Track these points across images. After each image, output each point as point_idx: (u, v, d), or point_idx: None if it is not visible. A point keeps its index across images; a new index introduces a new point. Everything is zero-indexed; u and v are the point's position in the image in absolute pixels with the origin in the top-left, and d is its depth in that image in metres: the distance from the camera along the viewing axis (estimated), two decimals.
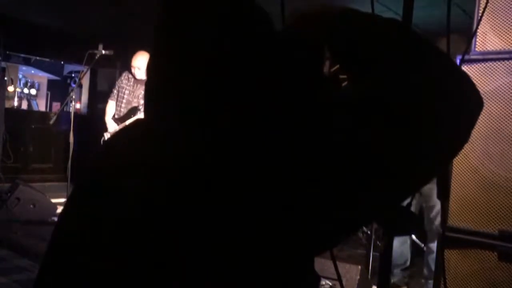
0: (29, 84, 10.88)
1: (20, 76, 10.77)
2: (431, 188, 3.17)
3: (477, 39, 1.98)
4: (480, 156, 1.93)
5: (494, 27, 1.95)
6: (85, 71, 5.38)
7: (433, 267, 3.10)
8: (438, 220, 3.24)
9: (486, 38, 1.97)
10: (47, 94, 12.07)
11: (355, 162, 0.63)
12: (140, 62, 4.58)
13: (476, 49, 1.99)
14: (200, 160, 0.68)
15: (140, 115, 4.62)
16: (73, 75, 11.03)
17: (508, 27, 1.92)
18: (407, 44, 0.70)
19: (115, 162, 0.77)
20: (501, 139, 1.89)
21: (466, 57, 1.98)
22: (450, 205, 1.99)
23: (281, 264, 0.65)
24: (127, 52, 4.88)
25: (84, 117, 8.90)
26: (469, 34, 2.42)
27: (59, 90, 11.60)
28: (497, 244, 1.88)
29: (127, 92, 4.77)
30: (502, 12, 1.93)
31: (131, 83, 4.76)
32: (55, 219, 4.66)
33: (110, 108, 4.84)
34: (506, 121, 1.88)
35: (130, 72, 4.76)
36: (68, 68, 11.27)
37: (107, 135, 4.73)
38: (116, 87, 4.87)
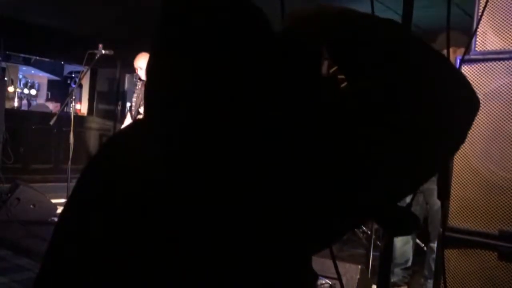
0: (29, 84, 10.89)
1: (20, 76, 10.78)
2: (434, 188, 3.17)
3: (477, 39, 1.99)
4: (480, 156, 1.93)
5: (494, 27, 1.95)
6: (85, 71, 5.38)
7: (433, 267, 3.10)
8: (439, 220, 3.24)
9: (486, 38, 1.97)
10: (47, 94, 12.08)
11: (352, 161, 0.63)
12: (142, 63, 4.63)
13: (476, 49, 1.99)
14: (199, 159, 0.68)
15: (141, 114, 4.68)
16: (73, 75, 11.03)
17: (508, 27, 1.92)
18: (404, 45, 0.70)
19: (114, 161, 0.78)
20: (501, 139, 1.89)
21: (466, 57, 1.98)
22: (450, 205, 1.99)
23: (278, 262, 0.65)
24: (127, 52, 4.89)
25: (84, 117, 8.91)
26: (469, 34, 2.42)
27: (59, 90, 11.61)
28: (497, 244, 1.88)
29: (135, 95, 4.85)
30: (502, 12, 1.93)
31: (139, 87, 4.86)
32: (55, 219, 4.66)
33: (127, 120, 4.97)
34: (506, 121, 1.88)
35: (138, 78, 4.85)
36: (68, 68, 11.28)
37: None
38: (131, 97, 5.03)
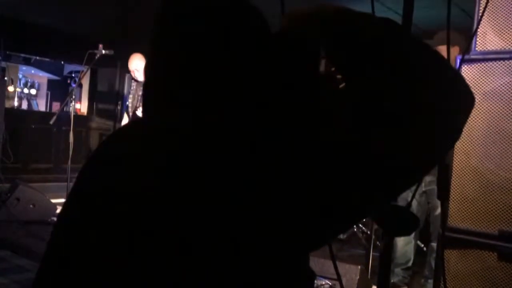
0: (29, 84, 10.88)
1: (20, 76, 10.78)
2: (435, 188, 3.17)
3: (477, 39, 1.98)
4: (480, 156, 1.93)
5: (494, 27, 1.95)
6: (85, 71, 5.38)
7: (434, 267, 3.10)
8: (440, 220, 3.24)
9: (486, 38, 1.97)
10: (47, 94, 12.07)
11: (350, 160, 0.63)
12: (136, 64, 4.66)
13: (476, 48, 1.99)
14: (197, 158, 0.68)
15: (138, 113, 4.70)
16: (73, 75, 11.03)
17: (508, 27, 1.92)
18: (401, 44, 0.70)
19: (113, 162, 0.78)
20: (501, 139, 1.89)
21: (466, 57, 1.98)
22: (450, 205, 1.99)
23: (276, 262, 0.66)
24: (127, 52, 4.90)
25: (84, 117, 8.91)
26: (469, 34, 2.42)
27: (59, 90, 11.60)
28: (497, 244, 1.88)
29: (130, 96, 4.88)
30: (502, 12, 1.93)
31: (134, 87, 4.88)
32: (55, 219, 4.66)
33: (124, 121, 5.00)
34: (506, 121, 1.88)
35: (132, 79, 4.88)
36: (68, 68, 11.27)
37: None
38: (126, 97, 5.07)
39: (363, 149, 0.64)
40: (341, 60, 0.74)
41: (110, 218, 0.71)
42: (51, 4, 6.12)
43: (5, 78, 6.75)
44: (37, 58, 9.26)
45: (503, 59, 1.91)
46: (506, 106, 1.89)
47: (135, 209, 0.69)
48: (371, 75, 0.68)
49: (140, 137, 0.78)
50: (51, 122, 4.91)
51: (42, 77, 11.68)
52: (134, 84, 4.91)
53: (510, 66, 1.89)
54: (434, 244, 3.25)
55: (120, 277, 0.67)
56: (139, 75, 4.69)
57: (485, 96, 1.92)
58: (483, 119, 1.92)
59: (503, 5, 1.93)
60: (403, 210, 0.98)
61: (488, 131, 1.91)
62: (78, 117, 8.36)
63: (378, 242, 3.43)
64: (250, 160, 0.66)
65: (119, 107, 8.80)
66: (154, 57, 0.81)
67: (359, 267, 2.73)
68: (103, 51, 4.81)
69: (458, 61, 2.07)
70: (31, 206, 4.84)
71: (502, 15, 1.93)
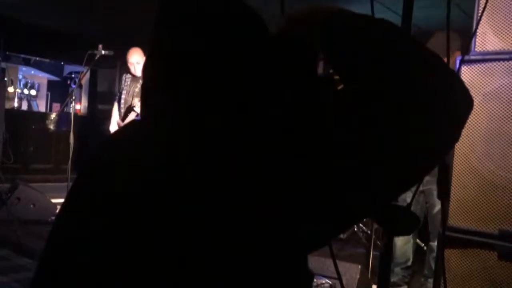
0: (29, 84, 10.88)
1: (20, 76, 10.77)
2: (433, 188, 3.17)
3: (477, 39, 1.99)
4: (480, 156, 1.93)
5: (494, 27, 1.95)
6: (85, 71, 5.38)
7: (433, 266, 3.10)
8: (439, 219, 3.24)
9: (486, 38, 1.97)
10: (47, 95, 12.07)
11: (348, 161, 0.64)
12: (137, 58, 4.65)
13: (476, 49, 1.99)
14: (194, 159, 0.68)
15: (134, 113, 4.67)
16: (73, 75, 11.02)
17: (508, 27, 1.92)
18: (398, 45, 0.70)
19: (111, 161, 0.78)
20: (501, 139, 1.89)
21: (466, 57, 1.98)
22: (450, 205, 1.99)
23: (274, 262, 0.66)
24: (127, 52, 4.89)
25: (84, 118, 8.90)
26: (469, 34, 2.42)
27: (59, 90, 11.60)
28: (497, 244, 1.88)
29: (124, 92, 4.85)
30: (502, 12, 1.93)
31: (128, 83, 4.84)
32: None
33: (115, 111, 4.95)
34: (506, 122, 1.89)
35: (128, 72, 4.83)
36: (68, 68, 11.27)
37: None
38: (119, 89, 4.97)
39: (361, 150, 0.64)
40: (339, 62, 0.74)
41: (109, 219, 0.71)
42: (51, 4, 6.12)
43: (5, 79, 6.75)
44: (37, 58, 9.27)
45: (503, 59, 1.91)
46: (506, 107, 1.89)
47: (134, 210, 0.69)
48: (369, 77, 0.68)
49: (139, 137, 0.78)
50: (51, 125, 4.90)
51: (42, 77, 11.68)
52: (128, 79, 4.85)
53: (509, 66, 1.90)
54: (433, 244, 3.25)
55: (119, 279, 0.68)
56: (139, 69, 4.67)
57: (485, 96, 1.93)
58: (483, 119, 1.92)
59: (502, 6, 1.93)
60: (403, 210, 0.98)
61: (488, 131, 1.92)
62: (78, 117, 8.35)
63: (378, 242, 3.43)
64: (249, 161, 0.66)
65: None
66: (153, 57, 0.81)
67: (359, 266, 2.73)
68: (103, 52, 4.81)
69: (458, 62, 2.07)
70: (31, 206, 4.84)
71: (501, 15, 1.93)
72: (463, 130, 0.72)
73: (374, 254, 2.95)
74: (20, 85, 10.62)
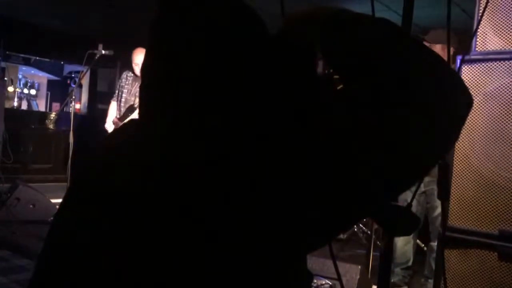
0: (29, 84, 10.87)
1: (20, 76, 10.77)
2: (435, 189, 3.17)
3: (477, 39, 1.98)
4: (481, 156, 1.93)
5: (494, 27, 1.95)
6: (85, 71, 5.38)
7: (434, 267, 3.10)
8: (440, 220, 3.24)
9: (486, 38, 1.97)
10: (47, 94, 12.07)
11: (347, 161, 0.64)
12: (142, 58, 4.60)
13: (476, 49, 1.99)
14: (194, 159, 0.68)
15: (136, 113, 4.64)
16: (73, 75, 11.02)
17: (508, 27, 1.92)
18: (398, 44, 0.70)
19: (110, 160, 0.78)
20: (501, 139, 1.89)
21: (466, 57, 1.98)
22: (450, 205, 1.99)
23: (273, 262, 0.66)
24: (127, 52, 4.89)
25: (84, 117, 8.90)
26: (470, 34, 2.42)
27: (59, 90, 11.60)
28: (497, 244, 1.87)
29: (125, 91, 4.79)
30: (502, 12, 1.93)
31: (130, 82, 4.78)
32: None
33: (112, 109, 4.87)
34: (506, 122, 1.88)
35: (130, 71, 4.79)
36: (68, 68, 11.27)
37: None
38: (117, 87, 4.91)
39: (361, 149, 0.64)
40: (338, 61, 0.74)
41: (108, 219, 0.71)
42: (51, 4, 6.12)
43: (5, 79, 6.76)
44: (37, 58, 9.27)
45: (504, 59, 1.91)
46: (506, 107, 1.89)
47: (134, 210, 0.69)
48: (369, 76, 0.68)
49: (139, 137, 0.78)
50: (50, 125, 4.90)
51: (42, 77, 11.68)
52: (130, 78, 4.80)
53: (510, 66, 1.89)
54: (433, 244, 3.25)
55: (116, 278, 0.68)
56: None
57: (486, 96, 1.92)
58: (483, 119, 1.92)
59: (503, 5, 1.93)
60: (403, 210, 0.98)
61: (488, 131, 1.91)
62: (78, 117, 8.36)
63: (378, 242, 3.43)
64: (248, 162, 0.66)
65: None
66: (150, 57, 0.81)
67: (359, 266, 2.73)
68: (103, 51, 4.80)
69: (458, 61, 2.07)
70: (31, 206, 4.84)
71: (502, 15, 1.93)
72: (463, 130, 0.72)
73: (374, 255, 2.95)
74: (20, 84, 10.62)
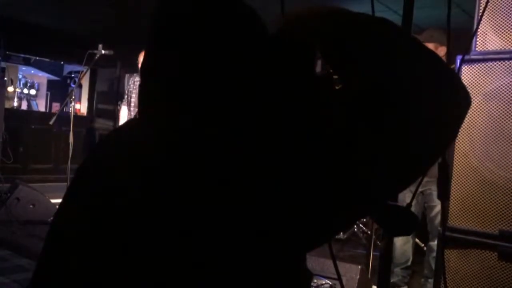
0: (28, 84, 10.88)
1: (20, 76, 10.78)
2: (432, 189, 3.18)
3: (477, 39, 1.98)
4: (480, 156, 1.93)
5: (494, 27, 1.95)
6: (85, 71, 5.38)
7: (433, 266, 3.10)
8: (438, 220, 3.24)
9: (486, 38, 1.97)
10: (47, 94, 12.07)
11: (346, 161, 0.64)
12: None
13: (477, 49, 1.99)
14: (196, 159, 0.68)
15: None
16: (73, 75, 11.03)
17: (508, 27, 1.92)
18: (397, 44, 0.70)
19: (110, 160, 0.78)
20: (501, 139, 1.89)
21: (466, 57, 1.98)
22: (450, 205, 1.99)
23: (272, 262, 0.66)
24: (127, 52, 4.89)
25: (84, 117, 8.90)
26: (470, 34, 2.42)
27: (59, 90, 11.60)
28: (497, 244, 1.88)
29: (134, 95, 4.82)
30: (502, 12, 1.93)
31: (137, 85, 4.80)
32: None
33: (122, 113, 4.94)
34: (506, 121, 1.88)
35: (136, 74, 4.82)
36: (68, 68, 11.28)
37: None
38: (126, 91, 4.94)
39: (361, 149, 0.64)
40: (337, 61, 0.74)
41: (107, 218, 0.71)
42: (51, 4, 6.12)
43: (5, 79, 6.75)
44: (37, 58, 9.27)
45: (503, 59, 1.91)
46: (506, 107, 1.89)
47: (134, 209, 0.69)
48: (368, 75, 0.68)
49: (139, 136, 0.78)
50: (51, 123, 4.91)
51: (42, 77, 11.68)
52: (137, 82, 4.84)
53: (510, 66, 1.89)
54: (432, 244, 3.25)
55: (116, 277, 0.68)
56: None
57: (485, 96, 1.92)
58: (483, 119, 1.92)
59: (503, 5, 1.93)
60: (403, 210, 0.98)
61: (488, 131, 1.91)
62: (77, 117, 8.36)
63: (378, 242, 3.43)
64: (247, 161, 0.66)
65: (119, 107, 8.81)
66: (149, 56, 0.81)
67: (359, 266, 2.73)
68: (103, 51, 4.80)
69: (458, 61, 2.07)
70: (31, 206, 4.84)
71: (502, 15, 1.93)
72: (463, 130, 0.72)
73: (374, 255, 2.94)
74: (19, 84, 10.62)
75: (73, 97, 5.05)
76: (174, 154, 0.71)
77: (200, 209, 0.65)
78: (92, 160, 0.83)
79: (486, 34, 1.97)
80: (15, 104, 10.13)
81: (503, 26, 1.93)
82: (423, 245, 3.89)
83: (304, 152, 0.65)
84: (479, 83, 1.94)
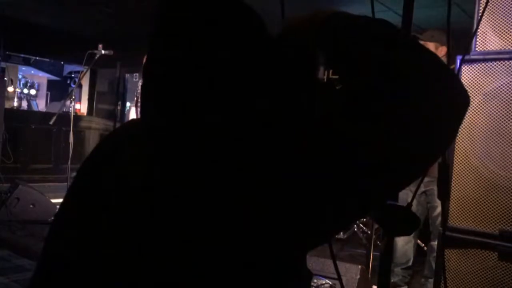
0: (28, 84, 10.88)
1: (20, 76, 10.78)
2: (435, 189, 3.18)
3: (477, 39, 1.99)
4: (481, 156, 1.93)
5: (494, 27, 1.95)
6: (85, 71, 5.38)
7: (434, 266, 3.10)
8: (440, 220, 3.24)
9: (486, 38, 1.97)
10: (46, 95, 12.07)
11: (345, 161, 0.64)
12: None
13: (476, 49, 1.99)
14: (196, 159, 0.69)
15: None
16: (72, 75, 11.04)
17: (508, 27, 1.92)
18: (395, 45, 0.71)
19: (109, 160, 0.78)
20: (502, 139, 1.89)
21: (466, 57, 1.98)
22: (450, 205, 1.99)
23: (271, 261, 0.66)
24: (127, 52, 4.89)
25: (84, 117, 8.91)
26: (469, 34, 2.42)
27: (59, 90, 11.60)
28: (497, 244, 1.88)
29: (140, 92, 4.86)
30: (502, 12, 1.93)
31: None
32: None
33: (132, 115, 4.96)
34: (506, 121, 1.88)
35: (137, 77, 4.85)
36: (68, 68, 11.28)
37: None
38: (136, 94, 4.97)
39: (360, 148, 0.64)
40: (337, 61, 0.74)
41: (107, 217, 0.71)
42: (51, 4, 6.12)
43: (5, 79, 6.75)
44: (37, 58, 9.27)
45: (503, 59, 1.91)
46: (506, 107, 1.89)
47: (133, 208, 0.69)
48: (368, 75, 0.68)
49: (140, 136, 0.79)
50: (51, 123, 4.91)
51: (42, 77, 11.69)
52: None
53: (510, 66, 1.89)
54: (433, 244, 3.25)
55: (116, 277, 0.68)
56: None
57: (485, 96, 1.92)
58: (483, 119, 1.92)
59: (503, 5, 1.93)
60: (404, 210, 0.98)
61: (488, 131, 1.92)
62: (78, 117, 8.36)
63: (378, 242, 3.43)
64: (248, 161, 0.66)
65: (119, 107, 8.81)
66: (152, 58, 0.81)
67: (360, 266, 2.73)
68: (103, 51, 4.81)
69: (458, 61, 2.07)
70: (31, 206, 4.84)
71: (502, 15, 1.93)
72: (464, 130, 0.72)
73: (374, 255, 2.94)
74: (19, 84, 10.63)
75: (73, 97, 5.05)
76: (175, 153, 0.71)
77: (200, 209, 0.65)
78: (92, 160, 0.84)
79: (486, 34, 1.97)
80: (15, 104, 10.14)
81: (503, 26, 1.93)
82: (423, 245, 3.89)
83: (304, 152, 0.65)
84: (479, 83, 1.94)
